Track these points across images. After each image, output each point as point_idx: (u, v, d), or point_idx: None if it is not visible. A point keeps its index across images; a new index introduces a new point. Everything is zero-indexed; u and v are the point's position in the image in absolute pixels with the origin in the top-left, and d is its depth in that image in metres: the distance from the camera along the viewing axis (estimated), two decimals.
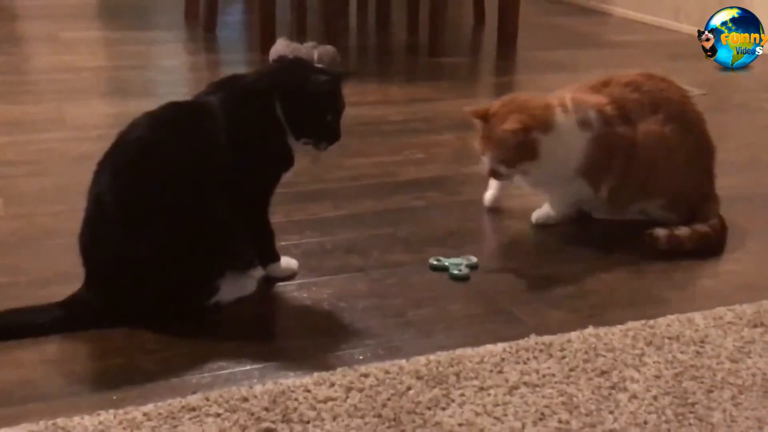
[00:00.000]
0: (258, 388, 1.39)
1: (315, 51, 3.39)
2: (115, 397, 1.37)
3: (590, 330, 1.59)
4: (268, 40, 3.63)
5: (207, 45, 4.10)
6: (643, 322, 1.63)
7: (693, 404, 1.39)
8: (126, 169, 1.56)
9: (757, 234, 2.09)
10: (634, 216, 2.09)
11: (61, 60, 3.61)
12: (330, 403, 1.36)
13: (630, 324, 1.62)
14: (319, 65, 2.19)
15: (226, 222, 1.61)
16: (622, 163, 2.01)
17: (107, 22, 4.65)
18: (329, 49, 3.44)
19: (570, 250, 1.99)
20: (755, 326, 1.63)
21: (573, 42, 4.39)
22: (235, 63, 3.79)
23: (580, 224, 2.12)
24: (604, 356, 1.52)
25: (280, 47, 3.42)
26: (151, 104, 1.68)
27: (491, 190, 2.18)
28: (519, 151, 1.93)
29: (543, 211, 2.10)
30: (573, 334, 1.58)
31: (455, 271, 1.82)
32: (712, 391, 1.43)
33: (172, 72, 3.65)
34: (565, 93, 2.04)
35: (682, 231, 1.96)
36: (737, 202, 2.22)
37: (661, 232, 1.95)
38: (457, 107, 3.07)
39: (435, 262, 1.85)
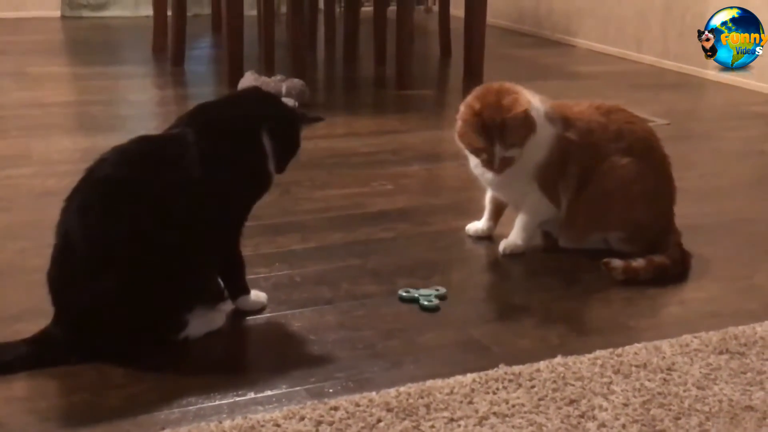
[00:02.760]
0: (227, 423, 1.38)
1: (283, 84, 3.41)
2: None
3: (559, 359, 1.60)
4: (236, 74, 3.65)
5: (175, 79, 4.10)
6: (610, 350, 1.64)
7: None
8: (94, 207, 1.55)
9: (720, 261, 2.11)
10: (598, 245, 2.11)
11: (27, 95, 3.60)
12: None
13: (598, 352, 1.63)
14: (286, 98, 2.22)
15: (195, 256, 1.61)
16: (576, 172, 2.04)
17: (74, 58, 4.64)
18: (297, 82, 3.46)
19: (537, 280, 2.01)
20: (721, 353, 1.65)
21: (538, 73, 4.44)
22: (204, 97, 3.71)
23: (547, 254, 2.14)
24: (573, 385, 1.53)
25: (249, 81, 3.44)
26: (118, 139, 1.67)
27: (486, 219, 2.21)
28: (526, 127, 1.96)
29: (510, 240, 2.12)
30: (542, 364, 1.59)
31: (425, 302, 1.82)
32: (679, 418, 1.44)
33: (140, 106, 3.64)
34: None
35: (638, 262, 1.98)
36: (700, 229, 2.25)
37: (617, 262, 1.97)
38: (425, 139, 3.11)
39: (404, 294, 1.86)
